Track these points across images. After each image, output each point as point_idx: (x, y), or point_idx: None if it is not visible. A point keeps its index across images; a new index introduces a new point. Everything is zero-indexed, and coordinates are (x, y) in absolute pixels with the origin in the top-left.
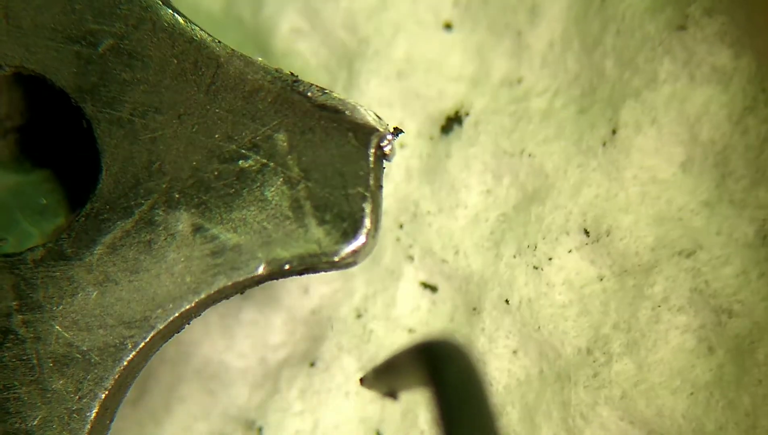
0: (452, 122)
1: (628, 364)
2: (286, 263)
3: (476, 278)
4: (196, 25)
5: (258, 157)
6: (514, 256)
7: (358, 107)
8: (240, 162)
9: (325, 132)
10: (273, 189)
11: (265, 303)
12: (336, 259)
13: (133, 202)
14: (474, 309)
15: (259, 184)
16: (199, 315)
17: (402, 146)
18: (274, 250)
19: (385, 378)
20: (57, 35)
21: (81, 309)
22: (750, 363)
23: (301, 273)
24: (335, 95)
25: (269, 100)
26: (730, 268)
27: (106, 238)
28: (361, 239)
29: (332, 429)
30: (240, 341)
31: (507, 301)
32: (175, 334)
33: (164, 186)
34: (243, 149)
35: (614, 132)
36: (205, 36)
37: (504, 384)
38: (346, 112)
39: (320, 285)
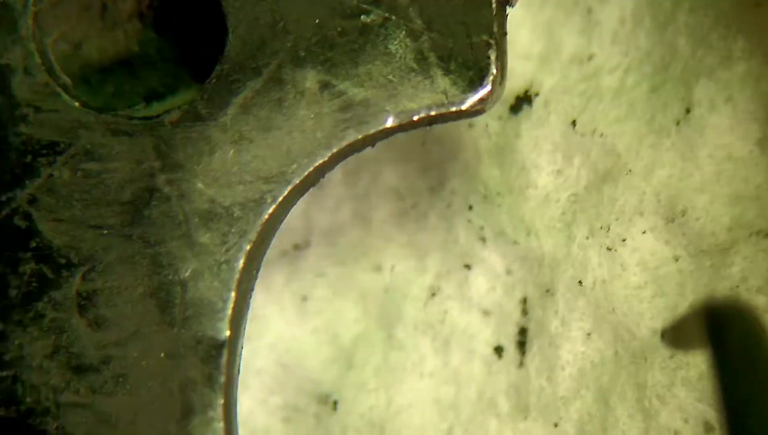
0: (522, 102)
1: None
2: (414, 114)
3: (548, 260)
4: None
5: (380, 12)
6: (587, 238)
7: None
8: (362, 17)
9: None
10: (396, 42)
11: (339, 277)
12: (464, 107)
13: (260, 63)
14: (547, 291)
15: (382, 38)
16: (333, 169)
17: (471, 126)
18: (402, 102)
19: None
20: None
21: (220, 167)
22: None
23: (429, 123)
24: None
25: None
26: None
27: (237, 98)
28: (488, 87)
29: (406, 407)
30: (313, 317)
31: (580, 283)
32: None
33: (289, 45)
34: (364, 4)
35: (688, 111)
36: None
37: (578, 367)
38: None
39: (393, 261)
